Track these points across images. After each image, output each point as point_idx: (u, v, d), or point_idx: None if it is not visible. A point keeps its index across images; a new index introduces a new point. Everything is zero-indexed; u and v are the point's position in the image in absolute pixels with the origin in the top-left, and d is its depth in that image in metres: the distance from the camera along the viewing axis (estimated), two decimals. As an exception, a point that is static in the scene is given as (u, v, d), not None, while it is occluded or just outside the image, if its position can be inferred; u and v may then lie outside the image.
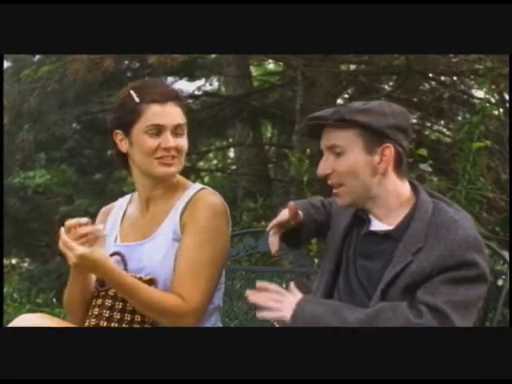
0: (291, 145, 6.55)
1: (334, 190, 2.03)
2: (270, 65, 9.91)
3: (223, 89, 9.03)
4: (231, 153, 10.33)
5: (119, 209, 2.31)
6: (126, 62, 6.95)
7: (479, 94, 5.62)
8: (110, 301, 2.12)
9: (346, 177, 1.98)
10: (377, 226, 2.02)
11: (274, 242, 2.12)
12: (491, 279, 2.24)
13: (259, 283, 1.95)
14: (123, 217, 2.28)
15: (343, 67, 6.97)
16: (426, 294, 1.87)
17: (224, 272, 2.23)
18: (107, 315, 2.11)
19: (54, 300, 7.04)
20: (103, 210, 2.35)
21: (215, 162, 11.20)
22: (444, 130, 7.43)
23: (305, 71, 5.94)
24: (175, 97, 2.16)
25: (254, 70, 9.22)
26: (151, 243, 2.16)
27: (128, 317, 2.11)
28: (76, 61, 5.28)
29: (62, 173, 8.45)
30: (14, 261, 9.17)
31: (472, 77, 5.95)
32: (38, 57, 6.55)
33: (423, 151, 3.89)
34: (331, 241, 2.12)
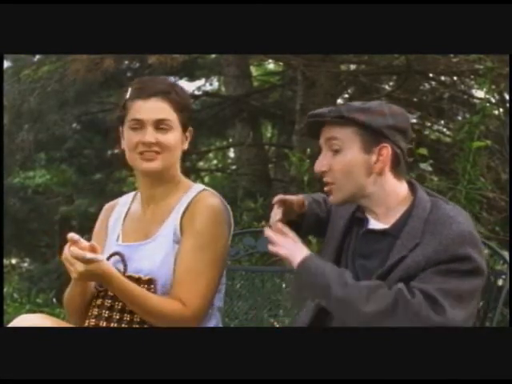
0: (291, 145, 6.55)
1: (325, 188, 2.03)
2: (270, 65, 9.92)
3: (223, 89, 9.03)
4: (231, 153, 10.33)
5: (123, 206, 2.31)
6: (126, 62, 6.95)
7: (479, 93, 5.63)
8: (109, 301, 2.12)
9: (341, 176, 1.98)
10: (375, 225, 2.02)
11: (276, 212, 2.13)
12: (492, 279, 2.25)
13: (280, 226, 2.04)
14: (126, 214, 2.28)
15: (343, 67, 6.97)
16: (417, 282, 1.88)
17: (225, 273, 2.23)
18: (106, 315, 2.11)
19: (54, 300, 7.04)
20: (107, 206, 2.35)
21: (215, 161, 11.21)
22: (444, 129, 7.44)
23: (305, 71, 5.94)
24: (161, 92, 2.14)
25: (254, 70, 9.22)
26: (152, 244, 2.16)
27: (127, 317, 2.11)
28: (76, 61, 5.27)
29: (62, 173, 8.45)
30: (14, 261, 9.17)
31: (472, 77, 5.95)
32: (38, 57, 6.54)
33: (423, 150, 3.89)
34: (330, 240, 2.13)
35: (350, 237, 2.08)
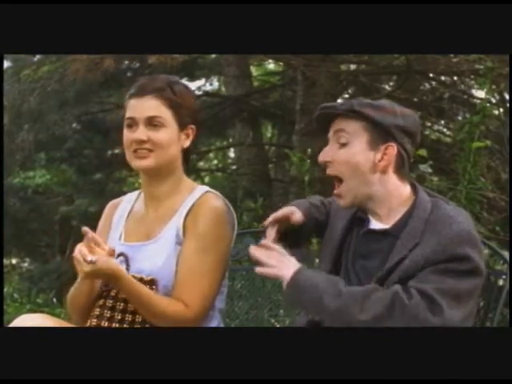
0: (291, 145, 6.55)
1: (334, 191, 2.03)
2: (270, 65, 9.92)
3: (223, 89, 9.03)
4: (231, 153, 10.33)
5: (127, 203, 2.31)
6: (126, 62, 6.94)
7: (479, 93, 5.63)
8: (111, 301, 2.12)
9: (344, 168, 1.98)
10: (376, 225, 2.02)
11: (270, 233, 2.13)
12: (493, 279, 2.25)
13: (264, 242, 2.01)
14: (129, 213, 2.28)
15: (343, 67, 6.97)
16: (415, 282, 1.87)
17: (227, 274, 2.23)
18: (108, 315, 2.11)
19: (54, 300, 7.04)
20: (111, 203, 2.35)
21: (215, 161, 11.20)
22: (444, 129, 7.44)
23: (305, 71, 5.94)
24: (155, 90, 2.14)
25: (254, 70, 9.22)
26: (154, 245, 2.16)
27: (129, 317, 2.11)
28: (76, 61, 5.27)
29: (62, 173, 8.45)
30: (14, 261, 9.17)
31: (472, 77, 5.95)
32: (38, 57, 6.54)
33: (423, 152, 3.89)
34: (329, 241, 2.12)
35: (351, 237, 2.08)
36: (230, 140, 9.07)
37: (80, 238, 2.07)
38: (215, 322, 2.19)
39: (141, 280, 2.09)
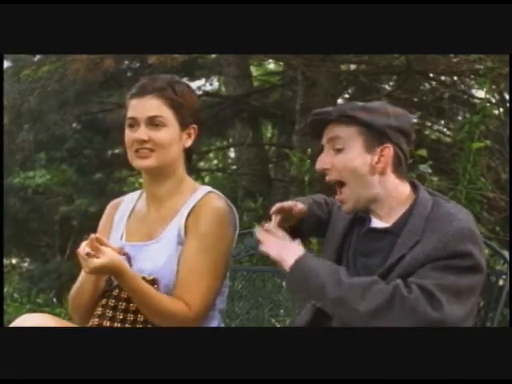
0: (291, 145, 6.55)
1: (337, 197, 2.04)
2: (270, 65, 9.92)
3: (223, 89, 9.03)
4: (231, 153, 10.33)
5: (128, 203, 2.31)
6: (126, 62, 6.94)
7: (479, 93, 5.63)
8: (113, 301, 2.12)
9: (345, 174, 1.98)
10: (377, 223, 2.03)
11: (275, 220, 2.13)
12: (493, 279, 2.25)
13: (268, 224, 2.03)
14: (131, 212, 2.28)
15: (343, 67, 6.97)
16: (415, 278, 1.88)
17: (228, 275, 2.23)
18: (110, 315, 2.11)
19: (54, 300, 7.04)
20: (112, 203, 2.35)
21: (215, 161, 11.20)
22: (444, 129, 7.44)
23: (305, 71, 5.94)
24: (156, 89, 2.14)
25: (254, 70, 9.22)
26: (156, 245, 2.16)
27: (131, 317, 2.11)
28: (76, 61, 5.27)
29: (62, 173, 8.44)
30: (14, 261, 9.16)
31: (472, 77, 5.95)
32: (38, 57, 6.54)
33: (423, 152, 3.89)
34: (331, 240, 2.13)
35: (352, 236, 2.08)
36: (230, 140, 9.07)
37: (80, 237, 2.07)
38: (215, 322, 2.19)
39: (143, 279, 2.09)
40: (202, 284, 2.09)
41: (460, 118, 6.85)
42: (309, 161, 4.49)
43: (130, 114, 2.16)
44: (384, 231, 2.00)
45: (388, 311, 1.84)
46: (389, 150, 1.97)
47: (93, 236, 2.02)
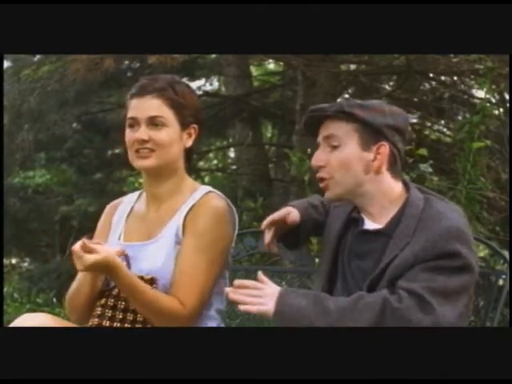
0: (291, 145, 6.55)
1: (321, 184, 2.02)
2: (270, 65, 9.92)
3: (223, 89, 9.03)
4: (231, 153, 10.33)
5: (127, 204, 2.31)
6: (126, 62, 6.94)
7: (479, 93, 5.63)
8: (112, 300, 2.12)
9: (337, 170, 1.98)
10: (369, 225, 2.02)
11: (267, 236, 2.14)
12: (493, 279, 2.25)
13: (236, 281, 1.91)
14: (130, 213, 2.28)
15: (343, 67, 6.97)
16: (405, 281, 1.86)
17: (227, 275, 2.22)
18: (110, 315, 2.11)
19: (54, 300, 7.04)
20: (110, 204, 2.35)
21: (215, 161, 11.20)
22: (444, 129, 7.44)
23: (305, 71, 5.94)
24: (156, 90, 2.14)
25: (254, 70, 9.22)
26: (155, 245, 2.16)
27: (130, 316, 2.11)
28: (76, 61, 5.27)
29: (62, 173, 8.45)
30: (14, 261, 9.16)
31: (472, 77, 5.95)
32: (38, 57, 6.54)
33: (423, 151, 3.89)
34: (327, 241, 2.13)
35: (346, 237, 2.08)
36: (230, 140, 9.07)
37: (80, 237, 2.07)
38: (214, 322, 2.18)
39: (141, 279, 2.09)
40: (197, 282, 2.08)
41: (460, 117, 6.85)
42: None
43: (130, 113, 2.16)
44: (376, 233, 1.99)
45: (381, 325, 1.82)
46: (385, 148, 1.97)
47: (84, 240, 2.01)
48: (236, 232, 2.21)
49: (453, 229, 1.88)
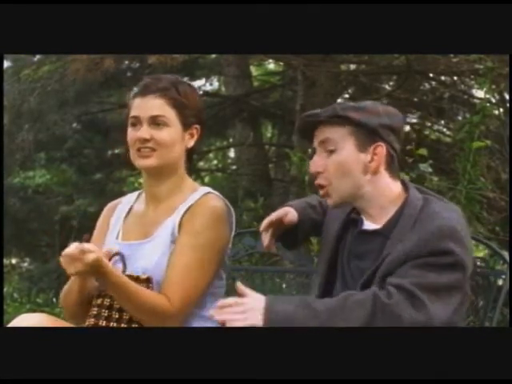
0: (291, 145, 6.55)
1: (321, 192, 2.02)
2: (270, 65, 9.91)
3: (223, 89, 9.03)
4: (231, 153, 10.33)
5: (126, 204, 2.31)
6: (126, 62, 6.94)
7: (479, 93, 5.62)
8: (108, 300, 2.12)
9: (335, 175, 1.97)
10: (368, 225, 2.02)
11: (265, 238, 2.14)
12: (492, 279, 2.25)
13: (219, 302, 1.89)
14: (128, 213, 2.28)
15: (343, 67, 6.97)
16: (394, 277, 1.86)
17: (224, 276, 2.22)
18: (106, 314, 2.11)
19: (54, 300, 7.04)
20: (110, 204, 2.35)
21: (215, 161, 11.20)
22: (444, 129, 7.44)
23: (305, 71, 5.94)
24: (159, 89, 2.14)
25: (254, 70, 9.22)
26: (151, 243, 2.16)
27: (127, 316, 2.11)
28: (76, 61, 5.27)
29: (62, 173, 8.45)
30: (14, 261, 9.16)
31: (472, 77, 5.95)
32: (38, 57, 6.54)
33: (423, 151, 3.89)
34: (325, 242, 2.13)
35: (346, 238, 2.07)
36: (230, 140, 9.08)
37: (80, 237, 2.07)
38: (207, 322, 2.16)
39: (137, 279, 2.09)
40: (188, 280, 2.07)
41: (460, 117, 6.85)
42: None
43: (132, 112, 2.17)
44: (374, 233, 1.99)
45: (372, 322, 1.81)
46: (381, 148, 1.97)
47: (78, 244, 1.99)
48: (233, 233, 2.21)
49: (445, 227, 1.87)
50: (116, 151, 7.77)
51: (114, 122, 6.94)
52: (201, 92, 8.18)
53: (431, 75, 6.40)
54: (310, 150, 5.66)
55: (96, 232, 2.30)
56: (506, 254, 2.34)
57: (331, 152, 1.98)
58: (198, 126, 2.21)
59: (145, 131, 2.13)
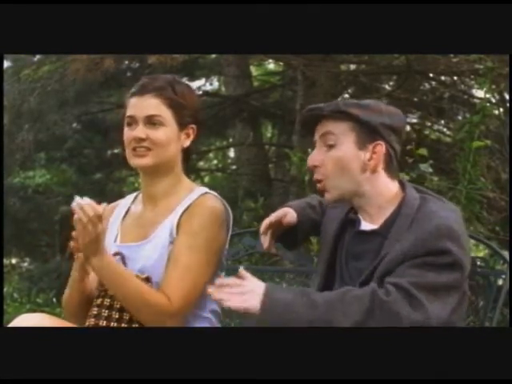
0: (291, 145, 6.55)
1: (318, 186, 2.02)
2: (270, 65, 9.92)
3: (223, 89, 9.04)
4: (231, 153, 10.33)
5: (123, 207, 2.31)
6: (126, 62, 6.95)
7: (479, 93, 5.62)
8: (108, 300, 2.12)
9: (333, 170, 1.98)
10: (366, 226, 2.02)
11: (264, 240, 2.14)
12: (492, 279, 2.25)
13: (218, 280, 1.89)
14: (126, 214, 2.28)
15: (343, 67, 6.97)
16: (393, 277, 1.86)
17: (222, 275, 2.22)
18: (106, 314, 2.11)
19: (54, 300, 7.04)
20: (109, 206, 2.35)
21: (215, 161, 11.20)
22: (444, 129, 7.45)
23: (305, 71, 5.95)
24: (155, 89, 2.14)
25: (254, 70, 9.23)
26: (150, 244, 2.16)
27: (127, 316, 2.11)
28: (76, 61, 5.28)
29: (62, 173, 8.45)
30: (14, 261, 9.16)
31: (472, 77, 5.95)
32: (38, 57, 6.54)
33: (423, 151, 3.89)
34: (324, 242, 2.13)
35: (344, 238, 2.07)
36: (230, 140, 9.08)
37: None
38: (208, 323, 2.17)
39: (136, 278, 2.09)
40: (186, 280, 2.07)
41: (460, 117, 6.85)
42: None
43: (128, 112, 2.17)
44: (372, 233, 1.99)
45: (371, 319, 1.81)
46: (381, 147, 1.97)
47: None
48: (229, 234, 2.21)
49: (443, 227, 1.87)
50: (116, 151, 7.77)
51: (113, 122, 6.94)
52: (201, 92, 8.20)
53: (431, 75, 6.41)
54: (309, 150, 5.66)
55: None
56: (506, 254, 2.33)
57: (330, 147, 1.98)
58: (194, 126, 2.21)
59: (140, 130, 2.13)
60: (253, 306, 1.82)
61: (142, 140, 2.13)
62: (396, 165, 2.02)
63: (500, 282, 2.28)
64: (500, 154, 5.04)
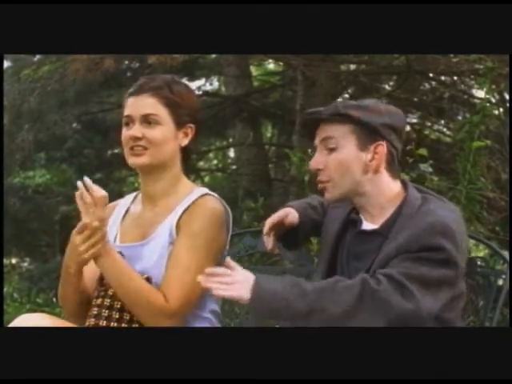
0: (291, 145, 6.55)
1: (319, 186, 2.02)
2: (270, 65, 9.91)
3: (223, 89, 9.03)
4: (231, 153, 10.33)
5: (122, 207, 2.31)
6: (126, 62, 6.95)
7: (479, 93, 5.63)
8: (108, 300, 2.12)
9: (336, 172, 1.98)
10: (367, 226, 2.02)
11: (268, 241, 2.14)
12: (492, 279, 2.25)
13: (207, 270, 1.88)
14: (125, 214, 2.28)
15: (343, 67, 6.97)
16: (385, 269, 1.86)
17: None
18: (106, 314, 2.11)
19: (54, 300, 7.04)
20: (109, 206, 2.35)
21: (215, 161, 11.20)
22: (444, 129, 7.45)
23: (305, 71, 5.94)
24: (152, 88, 2.15)
25: (254, 70, 9.22)
26: (149, 245, 2.16)
27: (127, 316, 2.11)
28: (76, 61, 5.27)
29: (62, 173, 8.45)
30: (14, 261, 9.16)
31: (472, 77, 5.95)
32: (38, 57, 6.54)
33: (423, 151, 3.89)
34: (325, 242, 2.13)
35: (345, 238, 2.07)
36: (230, 140, 9.08)
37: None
38: (208, 323, 2.17)
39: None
40: (185, 280, 2.06)
41: (460, 117, 6.85)
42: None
43: (126, 112, 2.18)
44: (373, 233, 1.99)
45: (361, 308, 1.81)
46: (382, 147, 1.97)
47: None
48: (229, 235, 2.21)
49: (437, 224, 1.87)
50: (116, 151, 7.77)
51: (113, 122, 6.93)
52: (201, 92, 8.20)
53: (431, 75, 6.40)
54: (309, 151, 5.67)
55: None
56: (506, 254, 2.33)
57: (332, 150, 1.99)
58: (192, 126, 2.20)
59: (137, 130, 2.14)
60: (238, 295, 1.82)
61: (138, 139, 2.14)
62: (398, 164, 2.02)
63: (500, 282, 2.28)
64: (500, 154, 5.04)
